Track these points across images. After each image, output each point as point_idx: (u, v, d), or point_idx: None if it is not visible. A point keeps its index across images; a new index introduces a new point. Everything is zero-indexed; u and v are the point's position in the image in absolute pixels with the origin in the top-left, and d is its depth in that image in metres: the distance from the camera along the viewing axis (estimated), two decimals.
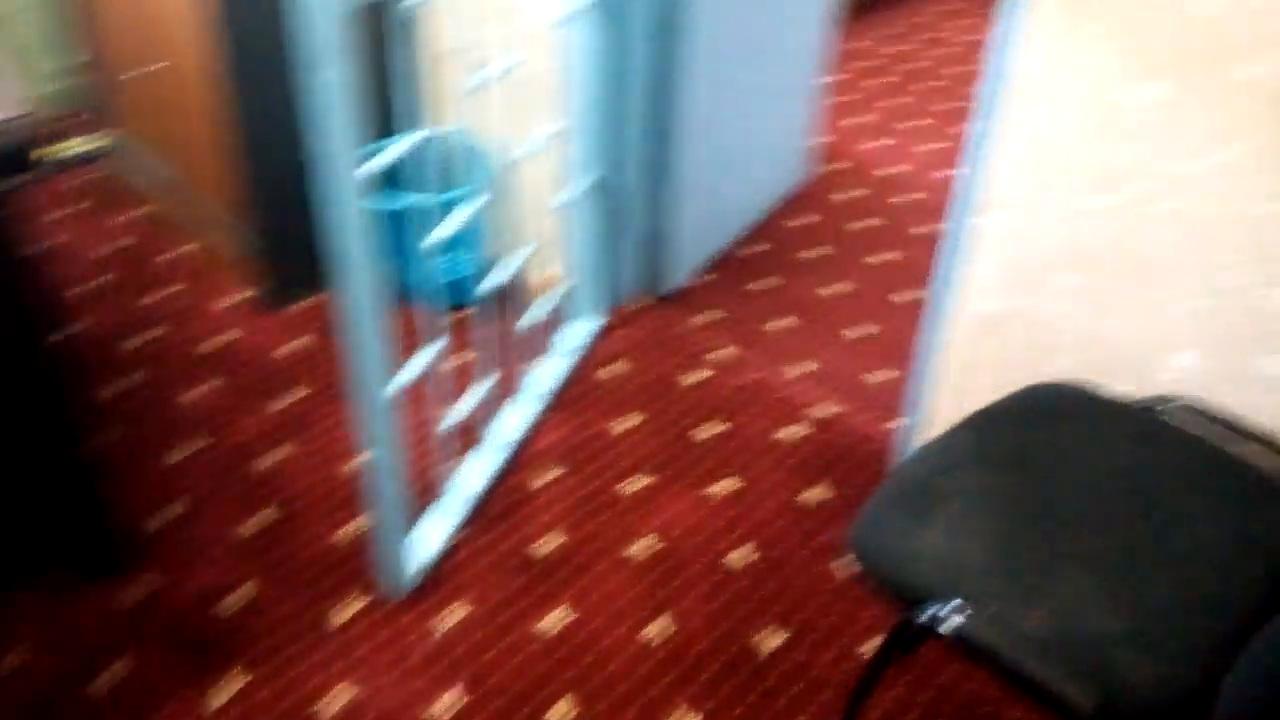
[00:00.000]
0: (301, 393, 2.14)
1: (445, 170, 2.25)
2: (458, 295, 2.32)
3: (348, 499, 1.89)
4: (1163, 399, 1.41)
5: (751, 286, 2.54)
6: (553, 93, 2.05)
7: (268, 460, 1.97)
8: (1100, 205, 1.41)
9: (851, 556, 1.22)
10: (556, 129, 1.97)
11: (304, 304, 2.41)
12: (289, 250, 2.33)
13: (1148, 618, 1.07)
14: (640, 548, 1.82)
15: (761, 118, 2.60)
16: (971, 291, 1.61)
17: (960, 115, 3.40)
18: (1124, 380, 1.48)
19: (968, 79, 3.66)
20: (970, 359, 1.66)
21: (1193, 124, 1.28)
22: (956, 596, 1.10)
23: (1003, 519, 1.19)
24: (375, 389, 1.49)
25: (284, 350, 2.27)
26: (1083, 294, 1.48)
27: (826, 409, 2.15)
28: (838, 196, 2.93)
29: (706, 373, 2.24)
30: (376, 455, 1.56)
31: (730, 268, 2.61)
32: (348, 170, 1.28)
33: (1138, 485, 1.24)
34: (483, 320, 2.15)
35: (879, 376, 2.25)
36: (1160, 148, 1.32)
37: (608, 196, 2.22)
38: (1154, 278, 1.40)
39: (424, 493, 1.89)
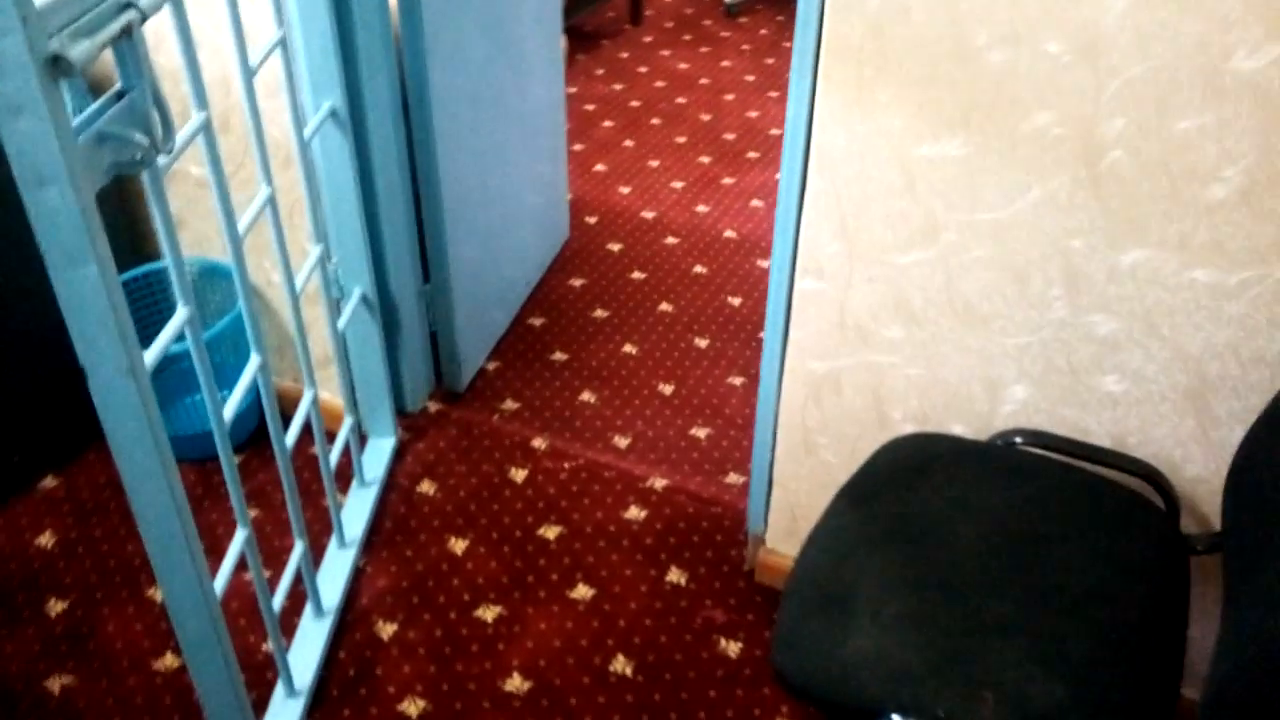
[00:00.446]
0: (72, 595, 1.82)
1: (203, 305, 1.99)
2: (230, 440, 2.07)
3: (164, 711, 1.62)
4: (1011, 433, 1.47)
5: (543, 365, 2.45)
6: (308, 212, 1.86)
7: (54, 686, 1.66)
8: (917, 259, 1.44)
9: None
10: (316, 249, 1.79)
11: (49, 484, 2.06)
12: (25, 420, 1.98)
13: (1081, 677, 1.09)
14: (517, 683, 1.69)
15: (517, 188, 2.51)
16: (802, 352, 1.61)
17: (693, 147, 3.48)
18: (966, 421, 1.53)
19: (690, 110, 3.75)
20: (808, 416, 1.66)
21: (992, 174, 1.33)
22: (900, 705, 1.07)
23: (914, 601, 1.18)
24: (190, 588, 1.27)
25: (41, 543, 1.92)
26: (912, 344, 1.51)
27: (658, 481, 2.10)
28: (602, 250, 2.90)
29: (524, 470, 2.13)
30: (200, 661, 1.34)
31: (517, 349, 2.50)
32: (120, 369, 1.07)
33: (1019, 529, 1.27)
34: (268, 465, 1.92)
35: (699, 433, 2.23)
36: (965, 199, 1.37)
37: (379, 306, 2.06)
38: (978, 321, 1.45)
39: (256, 683, 1.66)
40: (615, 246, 2.93)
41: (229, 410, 1.37)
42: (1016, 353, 1.45)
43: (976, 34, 1.25)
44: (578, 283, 2.77)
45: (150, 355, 1.13)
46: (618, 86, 3.93)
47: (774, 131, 3.59)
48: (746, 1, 4.65)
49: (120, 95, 1.03)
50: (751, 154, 3.44)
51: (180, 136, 1.18)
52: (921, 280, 1.46)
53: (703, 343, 2.52)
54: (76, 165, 0.93)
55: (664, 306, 2.66)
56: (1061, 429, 1.47)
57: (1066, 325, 1.39)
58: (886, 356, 1.55)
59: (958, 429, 1.55)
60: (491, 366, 2.44)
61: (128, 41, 1.01)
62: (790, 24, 4.51)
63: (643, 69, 4.09)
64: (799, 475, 1.73)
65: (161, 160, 1.12)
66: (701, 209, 3.12)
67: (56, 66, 0.88)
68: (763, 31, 4.46)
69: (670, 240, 2.96)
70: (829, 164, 1.43)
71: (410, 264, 2.09)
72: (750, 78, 4.01)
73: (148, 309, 2.08)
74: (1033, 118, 1.27)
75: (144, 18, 1.01)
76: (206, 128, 1.25)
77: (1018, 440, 1.45)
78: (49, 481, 2.08)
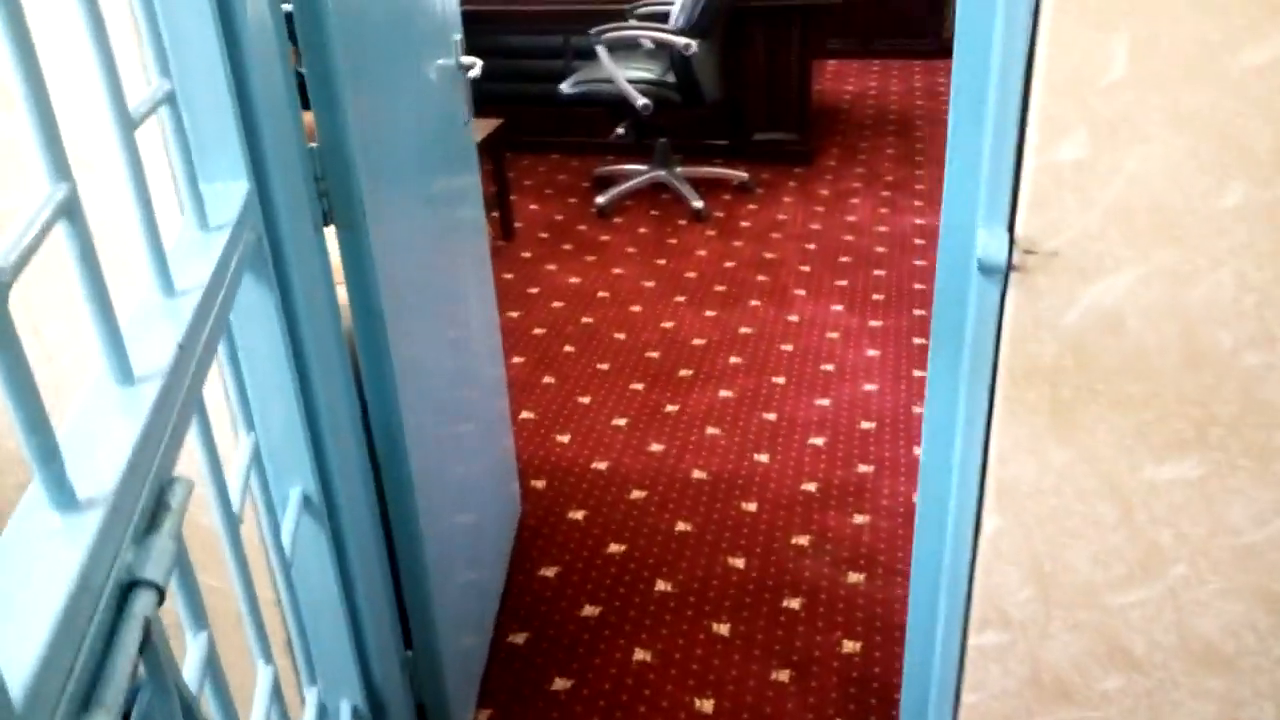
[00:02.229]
0: None
1: None
2: None
3: None
4: None
5: (545, 702, 2.00)
6: (277, 619, 1.40)
7: None
8: (1138, 598, 1.14)
9: None
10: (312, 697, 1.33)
11: None
12: None
13: None
14: None
15: (478, 480, 2.11)
16: (980, 719, 1.26)
17: (619, 373, 3.16)
18: None
19: (601, 330, 3.46)
20: None
21: (1239, 494, 1.06)
22: None
23: None
24: None
25: None
26: (1134, 695, 1.20)
27: None
28: (564, 522, 2.50)
29: None
30: None
31: (507, 684, 2.04)
32: None
33: None
34: None
35: None
36: (1203, 525, 1.08)
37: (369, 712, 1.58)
38: (1221, 662, 1.15)
39: None
40: (577, 514, 2.53)
41: None
42: (1274, 691, 1.15)
43: (1219, 338, 0.99)
44: (550, 572, 2.34)
45: None
46: (514, 314, 3.60)
47: (696, 342, 3.33)
48: (616, 200, 4.47)
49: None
50: (684, 372, 3.15)
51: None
52: (1144, 621, 1.15)
53: (723, 628, 2.14)
54: None
55: (660, 586, 2.28)
56: None
57: None
58: (1098, 712, 1.22)
59: None
60: (484, 718, 1.97)
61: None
62: (667, 215, 4.35)
63: (533, 289, 3.78)
64: None
65: None
66: (656, 448, 2.78)
67: None
68: (641, 230, 4.27)
69: (636, 494, 2.59)
70: (1015, 500, 1.12)
71: (393, 641, 1.63)
72: (649, 283, 3.78)
73: None
74: None
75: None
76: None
77: None
78: None
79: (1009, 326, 1.03)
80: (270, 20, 1.20)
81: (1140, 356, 1.02)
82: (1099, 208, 0.96)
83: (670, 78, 4.19)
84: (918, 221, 4.18)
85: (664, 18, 4.25)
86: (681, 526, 2.46)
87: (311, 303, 1.30)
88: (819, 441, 2.76)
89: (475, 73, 2.07)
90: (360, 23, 1.46)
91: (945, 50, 6.78)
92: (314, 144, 1.37)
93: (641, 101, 4.09)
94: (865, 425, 2.83)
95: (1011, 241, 1.00)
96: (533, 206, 4.59)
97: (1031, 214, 0.98)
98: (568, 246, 4.14)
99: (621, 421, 2.91)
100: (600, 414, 2.96)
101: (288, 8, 1.33)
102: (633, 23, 4.43)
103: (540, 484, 2.66)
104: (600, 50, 4.09)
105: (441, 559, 1.76)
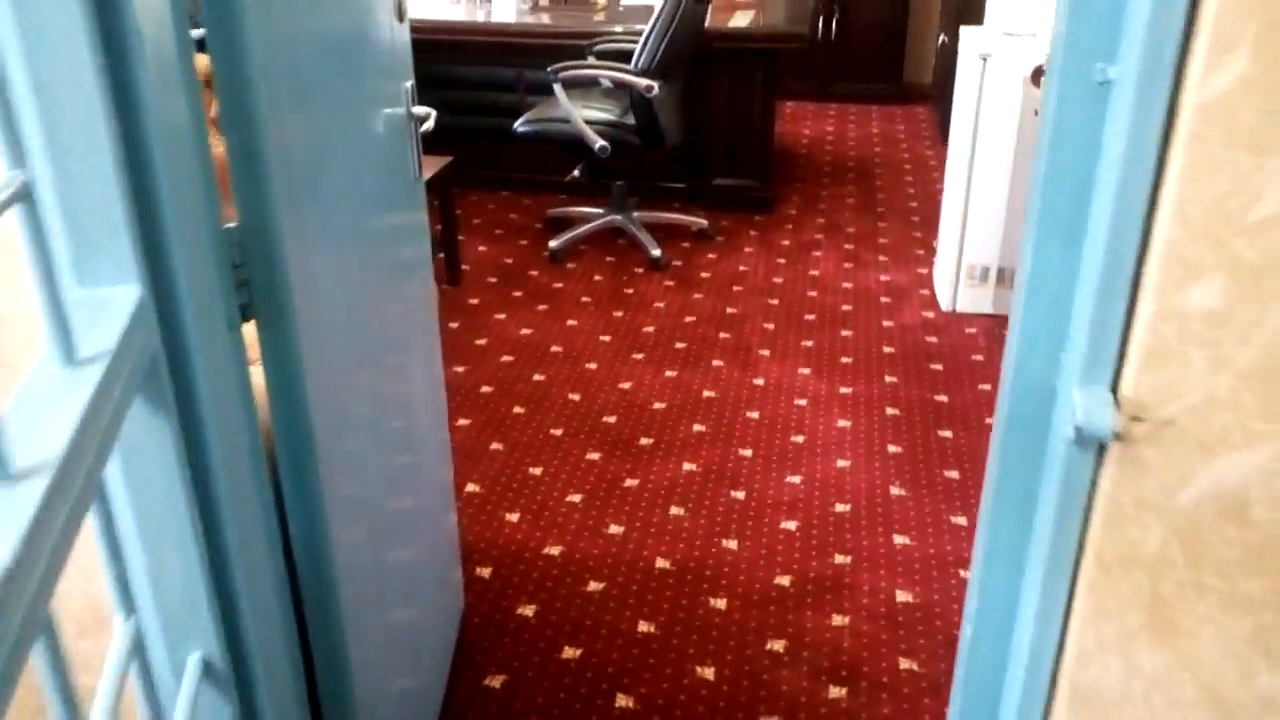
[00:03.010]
0: None
1: None
2: None
3: None
4: None
5: None
6: None
7: None
8: None
9: None
10: None
11: None
12: None
13: None
14: None
15: (417, 579, 1.85)
16: None
17: (574, 439, 2.92)
18: None
19: (553, 390, 3.22)
20: None
21: None
22: None
23: None
24: None
25: None
26: None
27: None
28: (513, 620, 2.24)
29: None
30: None
31: None
32: None
33: None
34: None
35: None
36: None
37: None
38: None
39: None
40: (527, 610, 2.28)
41: None
42: None
43: None
44: (496, 682, 2.09)
45: None
46: (460, 369, 3.34)
47: (657, 405, 3.11)
48: (570, 244, 4.24)
49: None
50: (644, 440, 2.93)
51: None
52: None
53: None
54: None
55: (621, 701, 2.03)
56: None
57: None
58: None
59: None
60: None
61: None
62: (623, 262, 4.14)
63: (481, 341, 3.53)
64: None
65: None
66: (614, 529, 2.54)
67: None
68: (597, 277, 4.04)
69: (593, 586, 2.35)
70: (1093, 708, 0.91)
71: None
72: (605, 338, 3.55)
73: None
74: None
75: None
76: None
77: None
78: None
79: (1103, 505, 0.83)
80: (177, 72, 0.96)
81: (1268, 550, 0.82)
82: (1231, 369, 0.76)
83: (630, 119, 3.99)
84: (883, 278, 4.02)
85: (624, 56, 4.05)
86: (644, 627, 2.22)
87: (223, 425, 1.04)
88: (791, 526, 2.55)
89: (429, 125, 1.83)
90: (293, 70, 1.22)
91: (903, 96, 6.70)
92: (231, 224, 1.12)
93: (599, 144, 3.88)
94: (840, 508, 2.62)
95: (1115, 404, 0.79)
96: (481, 248, 4.34)
97: (1144, 372, 0.78)
98: (518, 293, 3.90)
99: (576, 498, 2.67)
100: (553, 488, 2.71)
101: (203, 58, 1.08)
102: (592, 61, 4.23)
103: (486, 572, 2.40)
104: (557, 89, 3.87)
105: (370, 666, 1.50)
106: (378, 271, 1.65)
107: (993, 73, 3.36)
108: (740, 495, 2.67)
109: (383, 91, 1.68)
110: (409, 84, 1.82)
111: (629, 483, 2.73)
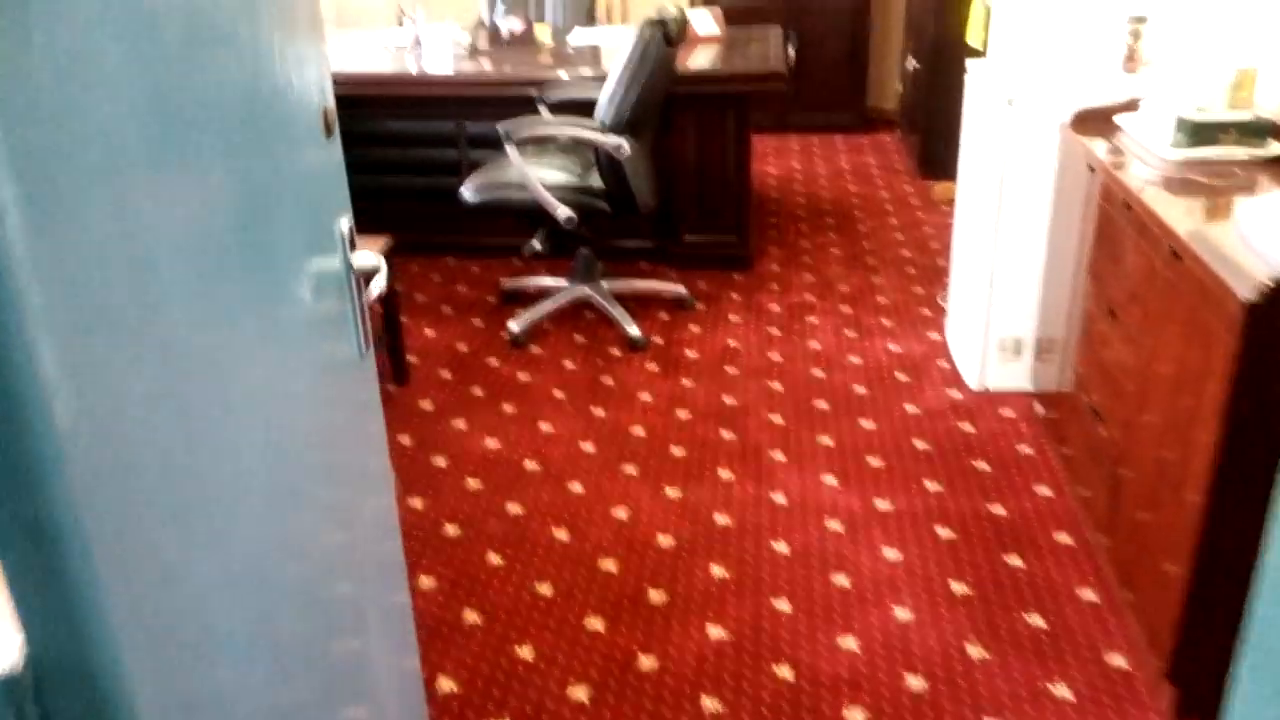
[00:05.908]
0: None
1: None
2: None
3: None
4: None
5: None
6: None
7: None
8: None
9: None
10: None
11: None
12: None
13: None
14: None
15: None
16: None
17: (568, 599, 2.36)
18: None
19: (533, 526, 2.65)
20: None
21: None
22: None
23: None
24: None
25: None
26: None
27: None
28: None
29: None
30: None
31: None
32: None
33: None
34: None
35: None
36: None
37: None
38: None
39: None
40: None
41: None
42: None
43: None
44: None
45: None
46: (417, 503, 2.75)
47: (662, 541, 2.56)
48: (532, 325, 3.68)
49: None
50: (654, 595, 2.38)
51: None
52: None
53: None
54: None
55: None
56: None
57: None
58: None
59: None
60: None
61: None
62: (596, 344, 3.59)
63: (439, 460, 2.95)
64: None
65: None
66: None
67: None
68: (568, 364, 3.49)
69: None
70: None
71: None
72: (588, 446, 2.99)
73: None
74: None
75: None
76: None
77: None
78: None
79: None
80: None
81: None
82: None
83: (594, 180, 3.44)
84: (892, 348, 3.54)
85: (580, 106, 3.52)
86: None
87: None
88: (858, 717, 2.02)
89: (380, 283, 1.27)
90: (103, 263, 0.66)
91: (868, 124, 6.26)
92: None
93: (565, 214, 3.33)
94: (913, 682, 2.10)
95: None
96: (429, 332, 3.75)
97: None
98: (478, 391, 3.32)
99: (581, 692, 2.10)
100: (549, 679, 2.14)
101: None
102: (546, 115, 3.68)
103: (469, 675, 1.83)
104: (511, 151, 3.32)
105: None
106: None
107: (1020, 118, 2.90)
108: (787, 674, 2.13)
109: (301, 241, 1.12)
110: (345, 222, 1.25)
111: (644, 662, 2.18)
